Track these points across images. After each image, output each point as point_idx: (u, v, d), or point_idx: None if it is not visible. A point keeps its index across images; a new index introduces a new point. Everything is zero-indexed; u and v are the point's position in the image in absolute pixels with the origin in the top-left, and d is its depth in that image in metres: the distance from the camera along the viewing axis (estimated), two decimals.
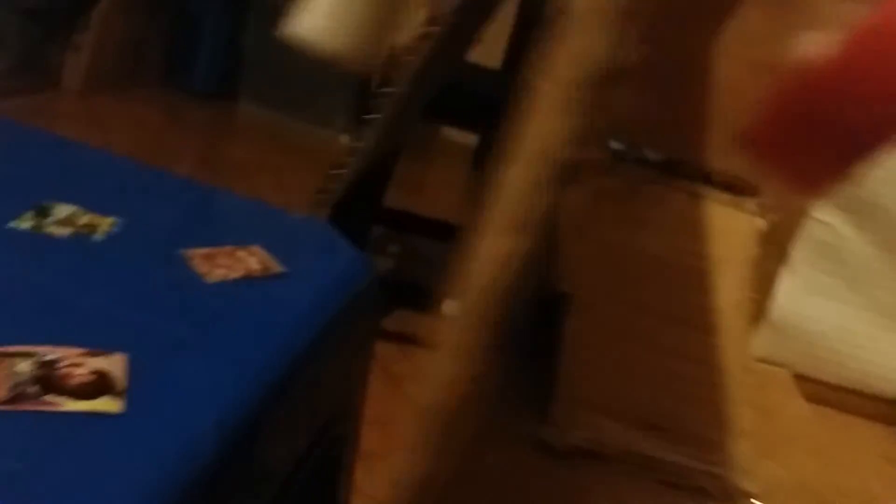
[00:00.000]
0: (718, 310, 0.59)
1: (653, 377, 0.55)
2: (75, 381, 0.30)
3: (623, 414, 0.52)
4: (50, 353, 0.30)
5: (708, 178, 0.67)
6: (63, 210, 0.43)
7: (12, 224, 0.39)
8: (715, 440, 0.51)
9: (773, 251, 0.68)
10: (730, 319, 0.59)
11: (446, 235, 0.66)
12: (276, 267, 0.39)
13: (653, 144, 0.67)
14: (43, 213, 0.42)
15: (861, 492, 0.56)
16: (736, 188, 0.67)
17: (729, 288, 0.61)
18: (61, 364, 0.30)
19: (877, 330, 0.68)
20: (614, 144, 0.67)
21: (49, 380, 0.29)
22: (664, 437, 0.51)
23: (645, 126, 0.66)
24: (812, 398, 0.70)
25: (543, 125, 0.26)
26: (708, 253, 0.62)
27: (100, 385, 0.30)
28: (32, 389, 0.28)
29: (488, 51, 0.75)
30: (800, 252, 0.68)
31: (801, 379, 0.70)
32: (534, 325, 0.57)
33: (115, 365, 0.32)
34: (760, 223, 0.65)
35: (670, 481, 0.48)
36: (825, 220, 0.67)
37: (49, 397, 0.28)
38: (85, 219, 0.44)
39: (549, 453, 0.48)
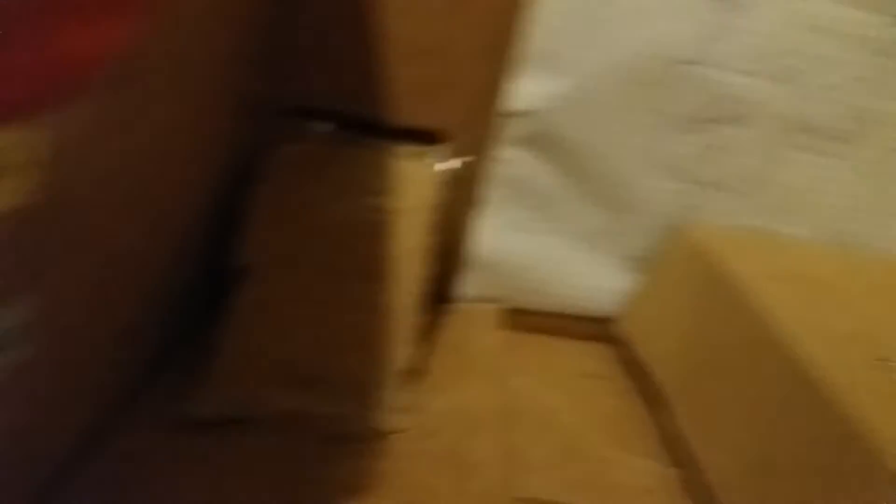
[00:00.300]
0: (395, 258, 0.61)
1: (320, 334, 0.56)
2: None
3: (281, 374, 0.53)
4: None
5: (393, 133, 0.68)
6: None
7: None
8: (369, 384, 0.53)
9: (466, 194, 0.71)
10: (405, 266, 0.61)
11: None
12: None
13: (339, 105, 0.68)
14: None
15: (537, 408, 0.60)
16: (421, 139, 0.69)
17: (407, 236, 0.63)
18: None
19: (577, 253, 0.72)
20: (300, 109, 0.67)
21: None
22: (318, 390, 0.52)
23: (330, 88, 0.67)
24: (524, 328, 0.74)
25: None
26: (391, 206, 0.64)
27: None
28: None
29: None
30: (493, 191, 0.70)
31: (515, 312, 0.73)
32: (212, 302, 0.58)
33: None
34: (446, 169, 0.68)
35: (318, 432, 0.50)
36: (511, 157, 0.69)
37: None
38: None
39: (198, 428, 0.49)
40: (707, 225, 0.69)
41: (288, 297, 0.57)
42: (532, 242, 0.72)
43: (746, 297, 0.52)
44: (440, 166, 0.67)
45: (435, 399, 0.57)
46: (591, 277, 0.73)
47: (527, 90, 0.67)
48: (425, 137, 0.69)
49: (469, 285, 0.73)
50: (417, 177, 0.66)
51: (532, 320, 0.74)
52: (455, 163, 0.68)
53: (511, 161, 0.70)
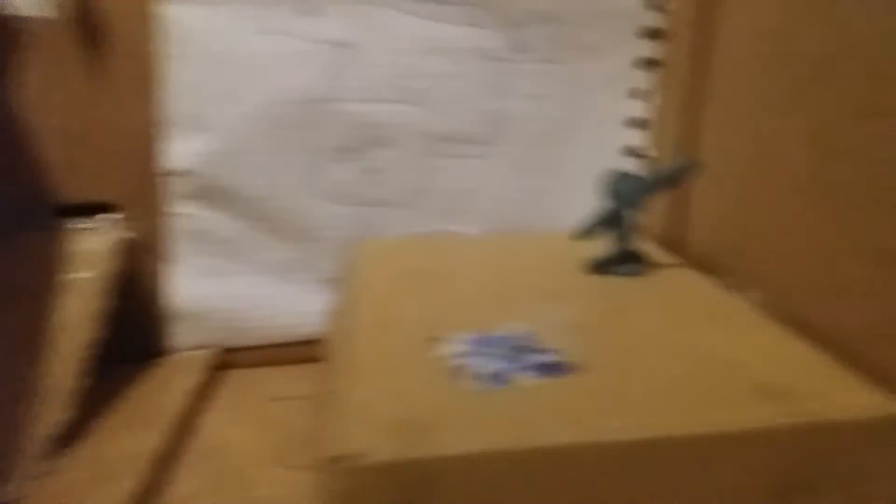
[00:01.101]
0: (59, 329, 0.65)
1: None
2: None
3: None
4: None
5: (66, 211, 0.73)
6: None
7: None
8: (2, 457, 0.57)
9: (149, 254, 0.76)
10: (70, 335, 0.65)
11: None
12: None
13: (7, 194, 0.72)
14: None
15: (211, 442, 0.64)
16: (94, 211, 0.74)
17: (75, 306, 0.67)
18: None
19: (272, 287, 0.77)
20: None
21: None
22: None
23: None
24: (239, 365, 0.78)
25: None
26: (60, 280, 0.68)
27: None
28: None
29: None
30: (178, 245, 0.75)
31: (229, 352, 0.78)
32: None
33: None
34: (122, 236, 0.73)
35: None
36: (187, 212, 0.74)
37: None
38: None
39: None
40: (374, 239, 0.74)
41: None
42: (228, 285, 0.77)
43: (358, 298, 0.57)
44: (112, 234, 0.72)
45: (88, 454, 0.60)
46: (293, 305, 0.78)
47: (180, 151, 0.73)
48: (98, 209, 0.74)
49: (178, 336, 0.77)
50: (95, 247, 0.71)
51: (247, 356, 0.79)
52: (129, 227, 0.73)
53: (189, 216, 0.75)
